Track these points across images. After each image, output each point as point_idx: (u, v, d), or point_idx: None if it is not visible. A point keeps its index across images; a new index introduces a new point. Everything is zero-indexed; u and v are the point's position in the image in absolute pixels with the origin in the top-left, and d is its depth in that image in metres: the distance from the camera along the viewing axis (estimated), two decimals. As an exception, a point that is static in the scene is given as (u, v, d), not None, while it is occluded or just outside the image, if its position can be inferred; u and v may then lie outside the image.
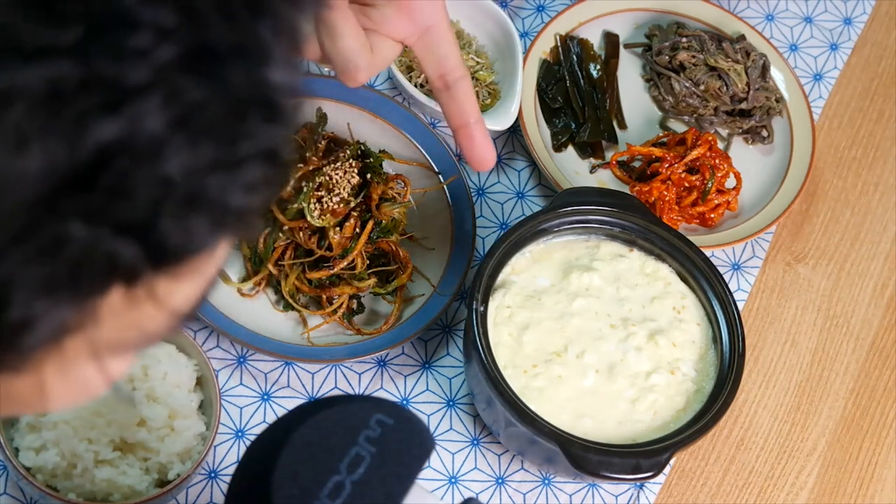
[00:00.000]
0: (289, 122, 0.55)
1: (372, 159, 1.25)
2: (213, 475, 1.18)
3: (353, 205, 1.22)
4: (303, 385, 1.23)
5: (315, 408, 0.81)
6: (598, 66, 1.41)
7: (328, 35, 1.00)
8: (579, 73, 1.39)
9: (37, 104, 0.49)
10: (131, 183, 0.50)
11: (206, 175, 0.52)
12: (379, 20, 1.02)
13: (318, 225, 1.20)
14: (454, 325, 1.28)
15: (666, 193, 1.32)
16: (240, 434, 1.21)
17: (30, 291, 0.51)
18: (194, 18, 0.51)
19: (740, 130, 1.41)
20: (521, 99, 1.32)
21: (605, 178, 1.36)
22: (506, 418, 1.13)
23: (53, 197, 0.50)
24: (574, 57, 1.40)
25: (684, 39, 1.41)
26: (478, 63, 1.35)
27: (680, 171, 1.32)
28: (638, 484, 1.24)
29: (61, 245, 0.51)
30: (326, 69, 1.31)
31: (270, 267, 1.22)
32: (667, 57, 1.41)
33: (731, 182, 1.35)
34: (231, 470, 1.17)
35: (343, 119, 1.30)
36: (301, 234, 1.21)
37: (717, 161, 1.33)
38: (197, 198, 0.52)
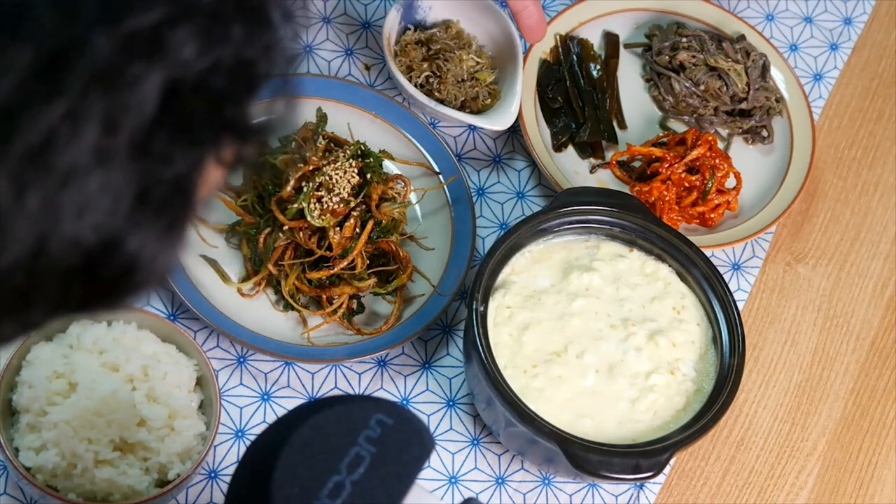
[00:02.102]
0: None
1: (372, 159, 1.25)
2: (213, 475, 1.18)
3: (353, 205, 1.22)
4: (303, 385, 1.23)
5: (315, 408, 0.81)
6: (598, 66, 1.41)
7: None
8: (579, 73, 1.39)
9: (100, 84, 0.53)
10: (203, 96, 0.56)
11: (251, 47, 0.57)
12: None
13: (318, 225, 1.20)
14: (454, 325, 1.28)
15: (666, 193, 1.32)
16: (240, 434, 1.21)
17: (161, 241, 0.57)
18: None
19: (740, 130, 1.41)
20: (521, 99, 1.32)
21: (605, 178, 1.36)
22: (506, 418, 1.13)
23: (148, 148, 0.55)
24: (574, 57, 1.40)
25: (684, 39, 1.41)
26: (478, 63, 1.35)
27: (680, 171, 1.32)
28: (638, 484, 1.24)
29: (177, 182, 0.56)
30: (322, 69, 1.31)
31: (270, 267, 1.22)
32: (667, 57, 1.41)
33: (731, 182, 1.35)
34: (231, 470, 1.17)
35: (343, 119, 1.30)
36: (301, 234, 1.21)
37: (717, 161, 1.33)
38: (254, 68, 0.57)
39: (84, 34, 0.53)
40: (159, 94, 0.54)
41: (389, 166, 1.30)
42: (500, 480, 1.23)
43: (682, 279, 1.23)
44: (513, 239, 1.20)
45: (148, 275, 0.58)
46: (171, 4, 0.54)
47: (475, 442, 1.24)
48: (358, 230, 1.22)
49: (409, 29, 1.36)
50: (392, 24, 1.34)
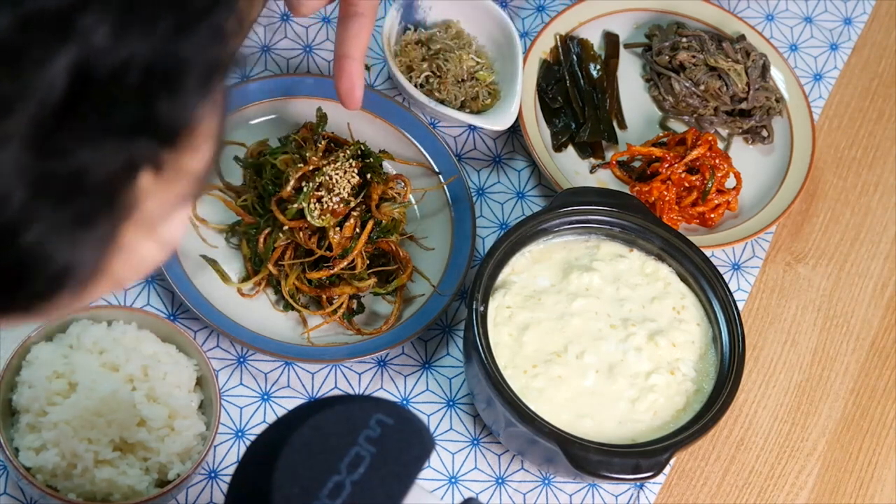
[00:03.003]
0: None
1: (372, 159, 1.25)
2: (213, 475, 1.18)
3: (353, 205, 1.22)
4: (303, 385, 1.23)
5: (315, 408, 0.81)
6: (598, 66, 1.41)
7: None
8: (579, 73, 1.39)
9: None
10: (112, 89, 0.51)
11: (175, 44, 0.53)
12: None
13: (318, 225, 1.20)
14: (454, 325, 1.28)
15: (666, 193, 1.32)
16: (240, 434, 1.21)
17: (66, 235, 0.53)
18: None
19: (740, 130, 1.41)
20: (521, 99, 1.32)
21: (605, 178, 1.36)
22: (506, 418, 1.13)
23: (48, 138, 0.51)
24: (574, 57, 1.40)
25: (684, 39, 1.41)
26: (478, 63, 1.35)
27: (680, 171, 1.32)
28: (638, 484, 1.24)
29: (80, 178, 0.52)
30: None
31: (270, 267, 1.22)
32: (667, 57, 1.41)
33: (731, 182, 1.35)
34: (231, 470, 1.17)
35: (343, 119, 1.30)
36: (301, 234, 1.21)
37: (717, 161, 1.33)
38: (177, 69, 0.53)
39: None
40: (66, 79, 0.51)
41: (389, 166, 1.30)
42: (500, 480, 1.23)
43: (682, 279, 1.24)
44: (513, 239, 1.20)
45: (59, 274, 0.54)
46: None
47: (475, 442, 1.24)
48: (358, 230, 1.22)
49: (409, 29, 1.36)
50: (392, 24, 1.34)
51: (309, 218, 1.20)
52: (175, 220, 0.63)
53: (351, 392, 1.24)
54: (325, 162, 1.22)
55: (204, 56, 0.54)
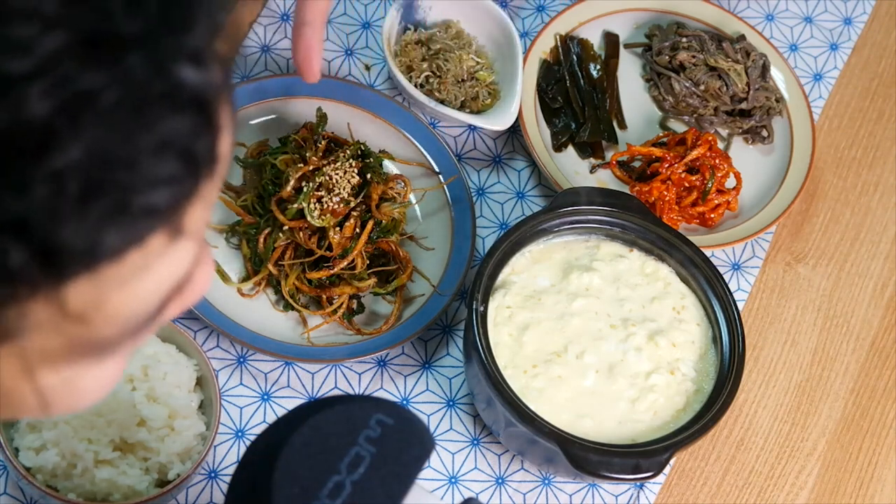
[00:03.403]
0: (207, 120, 0.52)
1: (372, 159, 1.25)
2: (213, 475, 1.18)
3: (353, 205, 1.22)
4: (303, 385, 1.23)
5: (315, 408, 0.81)
6: (598, 66, 1.41)
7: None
8: (579, 73, 1.39)
9: None
10: (16, 178, 0.48)
11: (101, 169, 0.49)
12: None
13: (318, 225, 1.20)
14: (454, 325, 1.28)
15: (666, 193, 1.32)
16: (240, 434, 1.21)
17: None
18: (88, 7, 0.49)
19: (740, 130, 1.41)
20: (521, 99, 1.32)
21: (605, 178, 1.36)
22: (506, 418, 1.13)
23: None
24: (574, 57, 1.40)
25: (684, 39, 1.41)
26: (478, 63, 1.35)
27: (680, 171, 1.32)
28: (638, 484, 1.24)
29: None
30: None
31: (270, 267, 1.22)
32: (667, 57, 1.41)
33: (731, 182, 1.35)
34: (231, 470, 1.17)
35: (343, 119, 1.30)
36: (301, 234, 1.21)
37: (717, 161, 1.33)
38: (92, 194, 0.48)
39: None
40: None
41: (389, 166, 1.30)
42: (500, 480, 1.23)
43: (682, 279, 1.23)
44: (513, 239, 1.20)
45: None
46: (43, 64, 0.48)
47: (475, 442, 1.24)
48: (358, 230, 1.22)
49: (409, 29, 1.36)
50: (392, 24, 1.34)
51: (309, 218, 1.20)
52: (71, 378, 0.57)
53: (351, 392, 1.24)
54: (325, 162, 1.22)
55: (122, 191, 0.49)
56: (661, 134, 1.38)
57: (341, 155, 1.23)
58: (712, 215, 1.34)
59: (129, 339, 0.56)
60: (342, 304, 1.23)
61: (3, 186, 0.48)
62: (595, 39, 1.43)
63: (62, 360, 0.55)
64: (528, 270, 1.22)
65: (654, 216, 1.25)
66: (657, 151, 1.34)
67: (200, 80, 0.51)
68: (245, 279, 1.24)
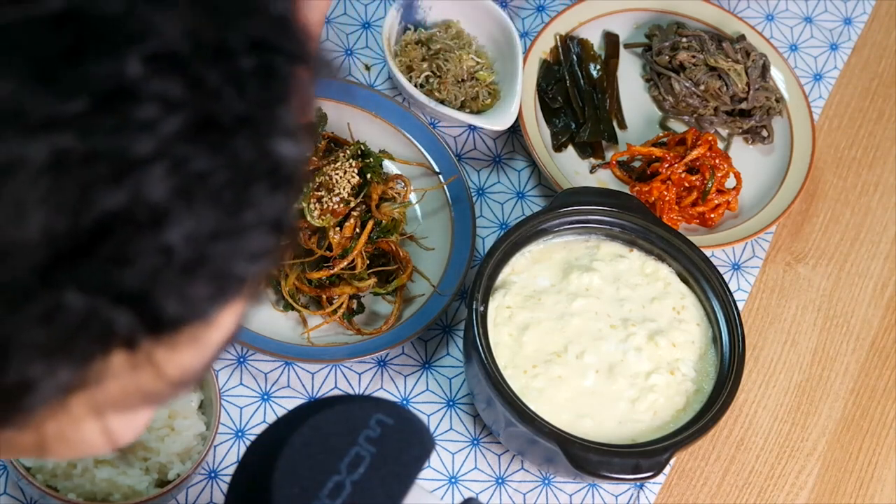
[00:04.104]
0: (295, 191, 0.55)
1: (372, 159, 1.25)
2: (213, 475, 1.18)
3: (353, 205, 1.22)
4: (303, 385, 1.23)
5: (315, 408, 0.81)
6: (598, 66, 1.41)
7: None
8: (579, 73, 1.39)
9: (39, 175, 0.49)
10: (131, 252, 0.50)
11: (207, 244, 0.52)
12: None
13: (318, 225, 1.20)
14: (454, 325, 1.28)
15: (666, 193, 1.32)
16: (240, 434, 1.21)
17: (27, 354, 0.51)
18: (203, 90, 0.51)
19: (740, 130, 1.41)
20: (521, 99, 1.32)
21: (605, 178, 1.36)
22: (506, 418, 1.13)
23: (52, 265, 0.50)
24: (574, 57, 1.40)
25: (684, 39, 1.41)
26: (478, 63, 1.35)
27: (680, 171, 1.32)
28: (638, 484, 1.24)
29: (58, 313, 0.50)
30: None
31: (270, 267, 1.22)
32: (667, 57, 1.41)
33: (731, 182, 1.35)
34: (231, 470, 1.17)
35: (343, 119, 1.30)
36: (301, 234, 1.21)
37: (717, 161, 1.33)
38: (196, 266, 0.52)
39: (58, 117, 0.49)
40: (93, 220, 0.49)
41: (389, 166, 1.30)
42: (500, 480, 1.23)
43: (682, 279, 1.23)
44: (513, 239, 1.20)
45: (15, 381, 0.52)
46: (159, 146, 0.50)
47: (475, 442, 1.24)
48: (358, 230, 1.22)
49: (409, 29, 1.36)
50: (392, 24, 1.34)
51: (309, 218, 1.20)
52: (130, 419, 0.61)
53: (351, 392, 1.24)
54: (325, 162, 1.22)
55: (224, 268, 0.53)
56: (661, 134, 1.39)
57: (341, 155, 1.23)
58: (712, 215, 1.34)
59: (184, 388, 0.59)
60: (342, 304, 1.23)
61: (115, 259, 0.50)
62: (595, 39, 1.43)
63: (126, 405, 0.58)
64: (528, 270, 1.22)
65: (654, 216, 1.25)
66: (657, 151, 1.34)
67: (296, 154, 0.55)
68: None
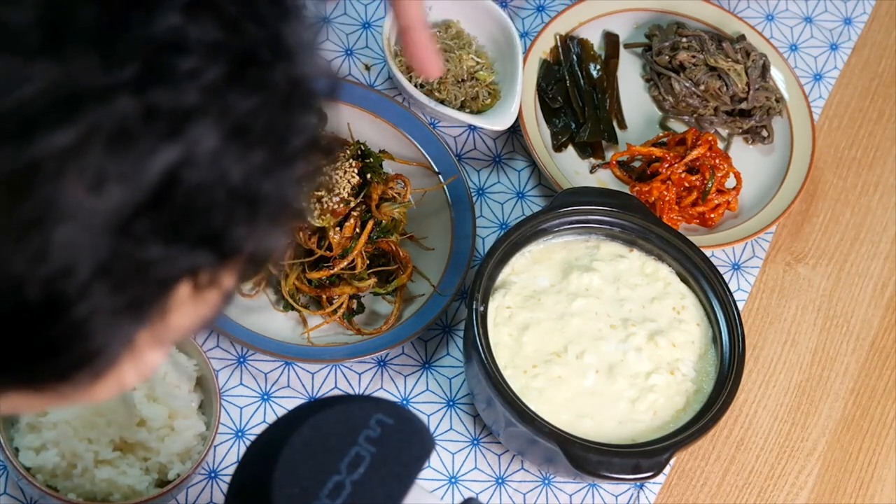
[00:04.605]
0: (324, 106, 0.59)
1: (372, 159, 1.25)
2: (213, 475, 1.18)
3: (353, 205, 1.22)
4: (303, 385, 1.23)
5: (315, 408, 0.81)
6: (598, 66, 1.41)
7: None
8: (579, 73, 1.39)
9: (109, 142, 0.51)
10: (198, 198, 0.53)
11: (263, 177, 0.55)
12: None
13: (318, 225, 1.20)
14: (454, 325, 1.28)
15: (666, 193, 1.32)
16: (240, 434, 1.21)
17: (112, 320, 0.54)
18: (236, 29, 0.54)
19: (740, 130, 1.41)
20: (521, 99, 1.32)
21: (605, 178, 1.36)
22: (506, 418, 1.13)
23: (129, 225, 0.52)
24: (574, 57, 1.40)
25: (684, 39, 1.41)
26: (478, 63, 1.35)
27: (680, 171, 1.32)
28: (638, 484, 1.24)
29: (144, 269, 0.53)
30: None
31: (270, 267, 1.22)
32: (667, 57, 1.41)
33: (731, 182, 1.35)
34: (231, 470, 1.17)
35: (343, 119, 1.30)
36: (301, 234, 1.21)
37: (717, 161, 1.33)
38: (258, 199, 0.55)
39: (114, 86, 0.51)
40: (160, 177, 0.52)
41: (389, 166, 1.30)
42: (500, 480, 1.23)
43: (682, 279, 1.23)
44: (513, 239, 1.20)
45: (96, 350, 0.55)
46: (207, 96, 0.53)
47: (475, 442, 1.24)
48: (358, 230, 1.22)
49: (409, 29, 1.36)
50: (392, 24, 1.34)
51: (309, 218, 1.20)
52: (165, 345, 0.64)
53: (351, 392, 1.24)
54: (325, 162, 1.22)
55: (280, 196, 0.56)
56: (661, 134, 1.39)
57: (341, 155, 1.23)
58: (712, 215, 1.34)
59: (219, 312, 0.63)
60: (342, 304, 1.23)
61: (185, 207, 0.53)
62: (595, 39, 1.43)
63: (184, 330, 0.61)
64: (528, 270, 1.22)
65: (654, 216, 1.25)
66: (657, 151, 1.34)
67: (319, 71, 0.59)
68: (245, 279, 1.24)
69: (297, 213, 0.59)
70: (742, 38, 1.42)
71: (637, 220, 1.24)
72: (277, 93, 0.56)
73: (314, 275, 1.22)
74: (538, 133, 1.35)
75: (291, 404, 1.12)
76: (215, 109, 0.53)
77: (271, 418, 1.21)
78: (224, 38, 0.54)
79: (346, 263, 1.22)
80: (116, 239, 0.52)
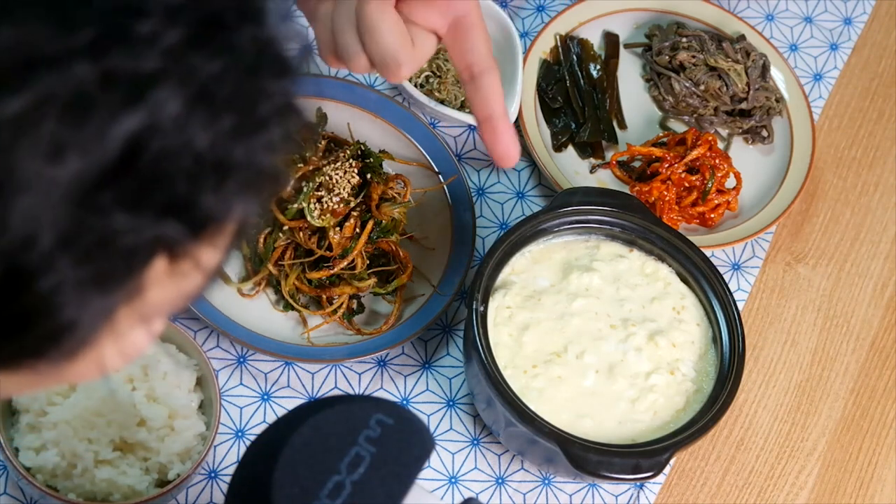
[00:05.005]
0: (297, 71, 0.57)
1: (372, 159, 1.25)
2: (213, 475, 1.18)
3: (353, 205, 1.22)
4: (303, 385, 1.23)
5: (315, 408, 0.81)
6: (598, 66, 1.41)
7: (367, 32, 0.95)
8: (579, 73, 1.40)
9: (65, 110, 0.50)
10: (163, 166, 0.52)
11: (232, 143, 0.54)
12: (408, 11, 0.97)
13: (318, 225, 1.20)
14: (454, 325, 1.28)
15: (666, 193, 1.32)
16: (240, 434, 1.21)
17: (80, 292, 0.53)
18: None
19: (740, 130, 1.41)
20: (521, 99, 1.32)
21: (605, 178, 1.36)
22: (506, 418, 1.13)
23: (91, 194, 0.51)
24: (574, 57, 1.40)
25: (684, 39, 1.41)
26: (478, 63, 1.35)
27: (680, 171, 1.32)
28: (638, 484, 1.24)
29: (109, 240, 0.52)
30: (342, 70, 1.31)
31: (270, 267, 1.22)
32: (667, 57, 1.41)
33: (731, 182, 1.35)
34: (231, 470, 1.17)
35: (343, 119, 1.30)
36: (301, 234, 1.21)
37: (717, 161, 1.33)
38: (227, 166, 0.54)
39: (69, 52, 0.50)
40: (122, 145, 0.51)
41: (389, 166, 1.30)
42: (500, 480, 1.23)
43: (682, 279, 1.23)
44: (513, 239, 1.20)
45: (67, 324, 0.54)
46: (169, 60, 0.51)
47: (475, 442, 1.24)
48: (358, 230, 1.22)
49: (409, 29, 1.36)
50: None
51: (309, 218, 1.20)
52: (157, 322, 0.63)
53: (351, 392, 1.24)
54: (325, 162, 1.23)
55: (251, 162, 0.55)
56: (661, 134, 1.39)
57: (341, 155, 1.23)
58: (712, 215, 1.34)
59: (205, 287, 0.61)
60: (342, 304, 1.23)
61: (150, 175, 0.52)
62: (595, 39, 1.43)
63: (166, 307, 0.60)
64: (528, 270, 1.22)
65: (654, 216, 1.25)
66: (657, 151, 1.34)
67: (292, 34, 0.57)
68: (245, 279, 1.24)
69: (273, 179, 0.57)
70: (742, 38, 1.42)
71: (637, 220, 1.24)
72: (244, 56, 0.54)
73: (314, 275, 1.22)
74: (538, 133, 1.35)
75: (291, 404, 1.12)
76: (177, 73, 0.52)
77: (271, 418, 1.21)
78: (186, 0, 0.52)
79: (346, 263, 1.22)
80: (79, 209, 0.51)
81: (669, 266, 1.24)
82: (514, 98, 1.31)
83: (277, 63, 0.56)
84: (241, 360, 1.23)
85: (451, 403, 1.25)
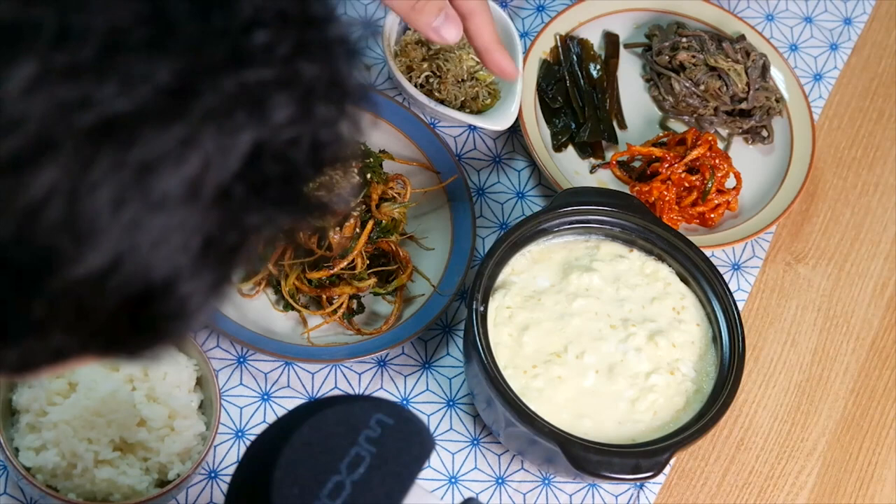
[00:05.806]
0: (363, 57, 0.62)
1: (372, 159, 1.25)
2: (213, 475, 1.18)
3: (353, 205, 1.22)
4: (303, 385, 1.23)
5: (315, 408, 0.81)
6: (598, 66, 1.41)
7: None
8: (579, 73, 1.40)
9: (218, 125, 0.53)
10: (284, 160, 0.56)
11: (335, 125, 0.58)
12: None
13: (317, 225, 1.20)
14: (454, 325, 1.28)
15: (666, 193, 1.32)
16: (240, 434, 1.21)
17: (206, 296, 0.56)
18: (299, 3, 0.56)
19: (740, 130, 1.41)
20: (521, 99, 1.31)
21: (605, 178, 1.36)
22: (506, 418, 1.13)
23: (226, 198, 0.54)
24: (574, 57, 1.40)
25: (684, 39, 1.41)
26: (478, 63, 1.35)
27: (680, 171, 1.32)
28: (638, 484, 1.24)
29: (241, 244, 0.56)
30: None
31: (270, 267, 1.22)
32: (667, 57, 1.41)
33: (731, 182, 1.35)
34: (231, 470, 1.17)
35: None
36: (301, 234, 1.21)
37: (717, 161, 1.33)
38: (322, 155, 0.58)
39: (215, 70, 0.53)
40: (248, 148, 0.54)
41: (389, 166, 1.30)
42: (500, 480, 1.23)
43: (682, 279, 1.23)
44: (513, 239, 1.20)
45: (183, 326, 0.57)
46: (283, 67, 0.54)
47: (475, 442, 1.24)
48: (358, 230, 1.22)
49: (410, 29, 1.36)
50: (392, 24, 1.34)
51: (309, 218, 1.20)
52: None
53: (351, 392, 1.24)
54: (325, 162, 1.22)
55: (342, 143, 0.59)
56: (661, 134, 1.39)
57: (341, 155, 1.23)
58: (712, 215, 1.34)
59: None
60: (342, 304, 1.23)
61: (278, 173, 0.56)
62: (595, 39, 1.43)
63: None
64: (528, 270, 1.22)
65: (654, 216, 1.25)
66: (657, 151, 1.34)
67: (360, 31, 0.61)
68: (245, 279, 1.24)
69: (352, 154, 0.61)
70: (742, 38, 1.42)
71: (637, 220, 1.24)
72: (332, 51, 0.58)
73: (314, 275, 1.22)
74: (538, 133, 1.35)
75: (291, 404, 1.12)
76: (288, 79, 0.55)
77: (271, 418, 1.21)
78: (288, 6, 0.55)
79: (346, 263, 1.22)
80: (218, 214, 0.54)
81: (669, 266, 1.24)
82: (514, 98, 1.31)
83: (353, 52, 0.60)
84: (241, 360, 1.23)
85: (451, 403, 1.25)
